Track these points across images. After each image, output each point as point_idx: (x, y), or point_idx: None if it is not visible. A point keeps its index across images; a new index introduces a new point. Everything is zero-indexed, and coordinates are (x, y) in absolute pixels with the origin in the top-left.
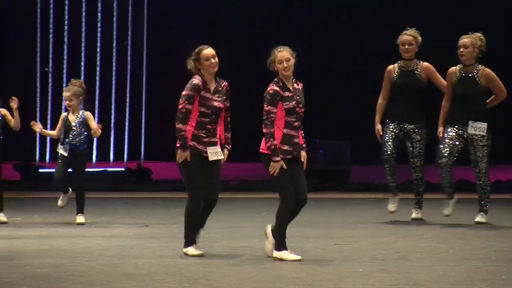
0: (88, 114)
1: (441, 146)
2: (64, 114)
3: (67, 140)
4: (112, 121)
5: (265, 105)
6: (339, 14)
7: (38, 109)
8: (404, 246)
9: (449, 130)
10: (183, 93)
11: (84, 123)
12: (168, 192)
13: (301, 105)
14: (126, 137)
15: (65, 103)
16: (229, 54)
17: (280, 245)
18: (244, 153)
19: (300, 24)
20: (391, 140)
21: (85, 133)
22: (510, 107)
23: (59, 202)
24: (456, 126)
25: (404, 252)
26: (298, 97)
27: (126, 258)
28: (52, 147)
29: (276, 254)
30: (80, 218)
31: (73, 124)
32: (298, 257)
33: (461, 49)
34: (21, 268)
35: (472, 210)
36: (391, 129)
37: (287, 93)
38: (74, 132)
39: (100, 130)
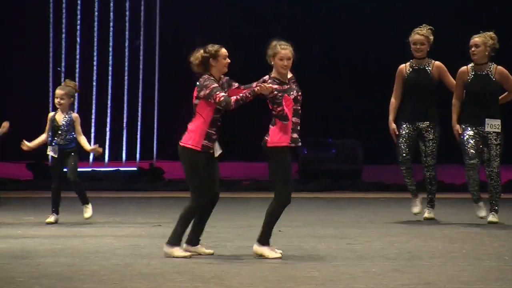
0: (76, 116)
1: (466, 147)
2: (51, 114)
3: (54, 142)
4: (125, 120)
5: (278, 108)
6: (353, 12)
7: (50, 108)
8: (416, 246)
9: (469, 129)
10: (212, 87)
11: (72, 124)
12: (181, 192)
13: (299, 92)
14: (138, 136)
15: (55, 100)
16: (241, 53)
17: (265, 239)
18: (257, 152)
19: (314, 23)
20: (405, 142)
21: (72, 133)
22: None
23: (49, 219)
24: (473, 125)
25: (416, 252)
26: (295, 86)
27: (138, 257)
28: None
29: (258, 249)
30: (87, 210)
31: (60, 124)
32: (279, 255)
33: (473, 49)
34: (33, 268)
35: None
36: (405, 130)
37: (285, 86)
38: (60, 132)
39: (99, 150)
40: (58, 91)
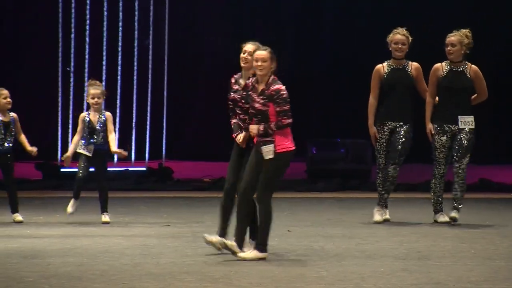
0: (109, 115)
1: (439, 158)
2: (84, 114)
3: (92, 140)
4: (134, 120)
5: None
6: (358, 11)
7: (60, 108)
8: (425, 246)
9: (439, 132)
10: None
11: (106, 124)
12: (190, 192)
13: (252, 102)
14: (147, 136)
15: (92, 100)
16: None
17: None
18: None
19: (321, 23)
20: (383, 150)
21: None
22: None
23: (69, 209)
24: (445, 125)
25: (425, 252)
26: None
27: (147, 257)
28: None
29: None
30: (106, 217)
31: (97, 125)
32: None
33: (449, 48)
34: (43, 267)
35: (493, 210)
36: (384, 133)
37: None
38: (100, 133)
39: (125, 154)
40: (94, 91)
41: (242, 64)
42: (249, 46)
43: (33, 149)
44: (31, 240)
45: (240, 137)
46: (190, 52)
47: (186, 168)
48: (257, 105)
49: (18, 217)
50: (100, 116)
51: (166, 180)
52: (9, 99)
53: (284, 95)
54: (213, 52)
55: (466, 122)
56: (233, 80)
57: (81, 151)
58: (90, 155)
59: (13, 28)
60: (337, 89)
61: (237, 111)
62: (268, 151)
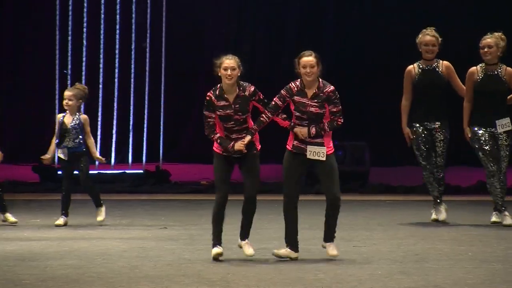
0: (85, 118)
1: (482, 154)
2: (59, 116)
3: (64, 144)
4: (131, 123)
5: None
6: (361, 14)
7: (56, 111)
8: (423, 248)
9: (480, 133)
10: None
11: (81, 126)
12: (187, 194)
13: (228, 111)
14: (144, 139)
15: (64, 102)
16: (249, 55)
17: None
18: (265, 154)
19: (326, 27)
20: (422, 144)
21: (81, 133)
22: None
23: (58, 221)
24: (484, 128)
25: (423, 254)
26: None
27: (145, 260)
28: None
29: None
30: (100, 213)
31: (69, 126)
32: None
33: (486, 49)
34: (41, 270)
35: (490, 212)
36: (420, 132)
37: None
38: (70, 135)
39: (103, 160)
40: (66, 93)
41: (227, 81)
42: (229, 61)
43: None
44: (28, 242)
45: (241, 143)
46: (188, 54)
47: (183, 170)
48: (312, 108)
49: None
50: (74, 118)
51: (163, 182)
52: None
53: (338, 95)
54: (211, 54)
55: (504, 125)
56: (213, 97)
57: (58, 155)
58: (66, 159)
59: (10, 31)
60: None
61: (227, 126)
62: (319, 152)
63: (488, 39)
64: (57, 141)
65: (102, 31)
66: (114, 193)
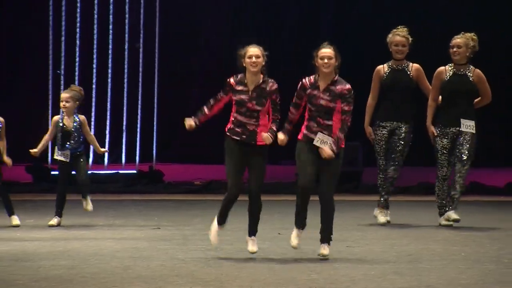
0: (83, 118)
1: (441, 160)
2: (57, 117)
3: (67, 145)
4: (124, 123)
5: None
6: (360, 14)
7: (50, 111)
8: (416, 249)
9: (441, 135)
10: None
11: (80, 127)
12: (180, 194)
13: (246, 98)
14: (138, 139)
15: (61, 104)
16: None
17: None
18: None
19: (324, 27)
20: (384, 145)
21: (82, 136)
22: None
23: (51, 222)
24: (447, 128)
25: (416, 255)
26: (251, 91)
27: (138, 260)
28: None
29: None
30: (88, 202)
31: (71, 128)
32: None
33: (455, 49)
34: (34, 270)
35: (485, 213)
36: (382, 133)
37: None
38: (73, 137)
39: (107, 151)
40: (63, 95)
41: (251, 69)
42: (254, 50)
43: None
44: (21, 243)
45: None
46: (181, 54)
47: (176, 171)
48: (322, 101)
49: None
50: (74, 119)
51: (157, 183)
52: None
53: (353, 95)
54: (204, 54)
55: (468, 126)
56: (232, 81)
57: (58, 157)
58: (67, 161)
59: (4, 32)
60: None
61: (241, 110)
62: (326, 142)
63: (458, 39)
64: (59, 143)
65: (95, 32)
66: (108, 193)
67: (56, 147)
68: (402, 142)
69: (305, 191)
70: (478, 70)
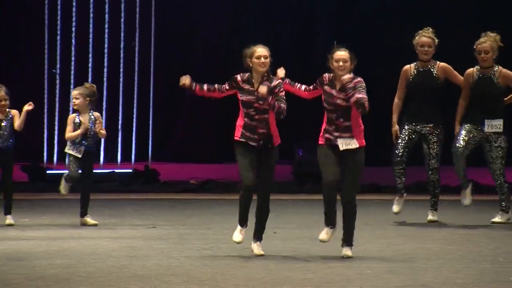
0: (98, 115)
1: (458, 137)
2: (73, 115)
3: (84, 142)
4: (120, 122)
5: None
6: (361, 14)
7: (45, 110)
8: (412, 248)
9: (466, 125)
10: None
11: (95, 124)
12: (176, 194)
13: (254, 98)
14: (133, 138)
15: (72, 101)
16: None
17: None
18: None
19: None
20: (404, 143)
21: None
22: None
23: (63, 190)
24: (474, 125)
25: (412, 254)
26: (259, 89)
27: (134, 259)
28: (60, 149)
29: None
30: (89, 219)
31: (90, 125)
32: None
33: (483, 55)
34: (29, 269)
35: (480, 211)
36: (406, 131)
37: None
38: (91, 134)
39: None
40: (73, 92)
41: (260, 69)
42: (262, 50)
43: None
44: (17, 242)
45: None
46: (177, 53)
47: (172, 170)
48: (339, 101)
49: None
50: (90, 116)
51: (152, 182)
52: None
53: (364, 86)
54: (200, 53)
55: (493, 126)
56: (239, 78)
57: (70, 151)
58: (80, 156)
59: (1, 31)
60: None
61: (249, 112)
62: (350, 143)
63: (484, 44)
64: (72, 142)
65: (91, 31)
66: (103, 192)
67: (68, 142)
68: (435, 145)
69: (330, 186)
70: (504, 70)
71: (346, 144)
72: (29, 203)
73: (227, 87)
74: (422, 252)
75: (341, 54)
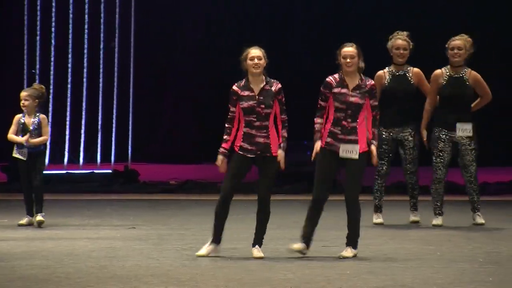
0: (44, 117)
1: (435, 160)
2: (19, 116)
3: (25, 143)
4: (99, 122)
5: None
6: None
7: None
8: (391, 248)
9: (438, 138)
10: None
11: (40, 126)
12: (156, 194)
13: (255, 103)
14: (113, 138)
15: (20, 103)
16: (220, 57)
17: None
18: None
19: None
20: (386, 156)
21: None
22: (496, 110)
23: (21, 221)
24: (445, 131)
25: (391, 254)
26: (258, 96)
27: (113, 260)
28: None
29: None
30: (39, 217)
31: (31, 127)
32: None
33: (455, 51)
34: (8, 270)
35: (460, 212)
36: (384, 139)
37: (245, 92)
38: (32, 136)
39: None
40: (22, 93)
41: (253, 71)
42: (255, 51)
43: None
44: None
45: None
46: (157, 54)
47: (151, 170)
48: (353, 99)
49: None
50: (35, 118)
51: (132, 182)
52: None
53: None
54: (180, 53)
55: (464, 130)
56: (236, 88)
57: (16, 155)
58: (25, 159)
59: None
60: (304, 92)
61: (250, 118)
62: (352, 151)
63: (458, 41)
64: (16, 145)
65: (70, 31)
66: (83, 192)
67: (15, 145)
68: (411, 150)
69: (317, 205)
70: (474, 72)
71: (347, 152)
72: (7, 203)
73: (232, 108)
74: (402, 252)
75: (348, 50)
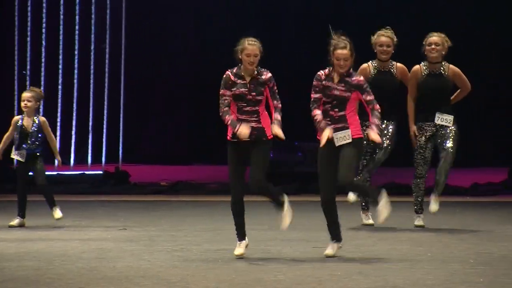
0: (44, 120)
1: (416, 156)
2: (17, 117)
3: (24, 145)
4: (90, 124)
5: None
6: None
7: (15, 112)
8: (382, 249)
9: (419, 133)
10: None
11: (40, 128)
12: (147, 195)
13: (247, 90)
14: (104, 140)
15: (22, 103)
16: (210, 55)
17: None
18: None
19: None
20: (368, 151)
21: (40, 135)
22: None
23: (12, 222)
24: (426, 126)
25: (382, 255)
26: (252, 83)
27: (104, 261)
28: None
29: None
30: (57, 212)
31: (31, 130)
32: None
33: (433, 46)
34: None
35: (451, 213)
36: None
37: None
38: (32, 138)
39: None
40: (25, 94)
41: (248, 67)
42: (252, 48)
43: None
44: None
45: (242, 130)
46: (148, 55)
47: (142, 171)
48: (337, 92)
49: None
50: (34, 120)
51: (123, 183)
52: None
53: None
54: (171, 54)
55: (444, 119)
56: (230, 74)
57: (14, 157)
58: (23, 160)
59: None
60: (295, 92)
61: (241, 104)
62: (344, 136)
63: (435, 37)
64: (17, 143)
65: (61, 32)
66: (74, 194)
67: (13, 147)
68: (389, 139)
69: (327, 205)
70: (452, 66)
71: (341, 139)
72: None
73: (228, 93)
74: (393, 253)
75: (342, 52)
